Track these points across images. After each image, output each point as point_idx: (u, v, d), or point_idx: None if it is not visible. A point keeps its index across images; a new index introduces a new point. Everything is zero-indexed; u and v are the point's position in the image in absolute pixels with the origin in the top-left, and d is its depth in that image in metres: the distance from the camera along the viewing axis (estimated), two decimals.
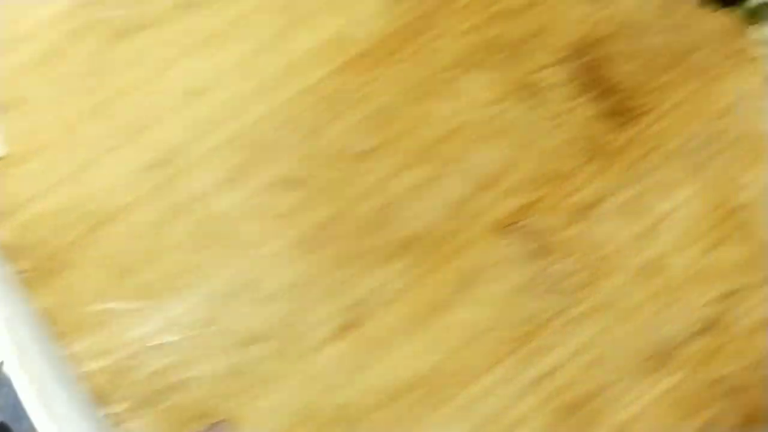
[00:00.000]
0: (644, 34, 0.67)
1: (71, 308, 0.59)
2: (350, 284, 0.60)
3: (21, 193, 0.61)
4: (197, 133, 0.63)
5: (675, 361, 0.59)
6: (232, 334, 0.59)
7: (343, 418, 0.57)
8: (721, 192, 0.63)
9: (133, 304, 0.59)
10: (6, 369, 0.69)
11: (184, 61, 0.64)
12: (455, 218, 0.62)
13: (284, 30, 0.66)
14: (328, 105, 0.64)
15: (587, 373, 0.58)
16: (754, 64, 0.67)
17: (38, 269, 0.59)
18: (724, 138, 0.65)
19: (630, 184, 0.63)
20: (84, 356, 0.58)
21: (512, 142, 0.64)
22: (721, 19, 0.68)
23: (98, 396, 0.57)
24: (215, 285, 0.60)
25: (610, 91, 0.65)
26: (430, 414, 0.57)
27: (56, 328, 0.58)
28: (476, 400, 0.58)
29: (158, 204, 0.61)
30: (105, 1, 0.65)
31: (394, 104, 0.64)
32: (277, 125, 0.63)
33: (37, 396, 0.62)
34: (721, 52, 0.67)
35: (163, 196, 0.62)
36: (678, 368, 0.59)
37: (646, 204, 0.63)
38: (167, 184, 0.62)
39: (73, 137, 0.62)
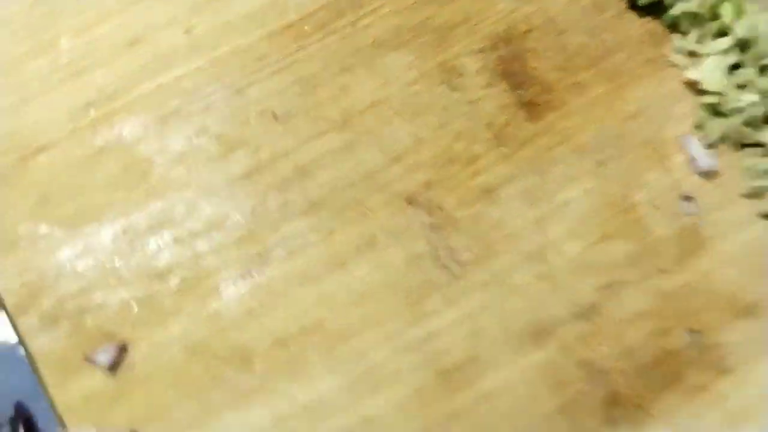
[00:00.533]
0: (568, 32, 0.70)
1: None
2: (259, 234, 0.65)
3: None
4: (132, 80, 0.68)
5: (549, 339, 0.63)
6: (142, 267, 0.64)
7: (236, 356, 0.62)
8: (619, 189, 0.67)
9: (55, 230, 0.64)
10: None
11: (126, 12, 0.69)
12: (364, 186, 0.66)
13: None
14: (257, 66, 0.69)
15: (466, 342, 0.63)
16: (670, 72, 0.70)
17: None
18: (630, 139, 0.68)
19: (534, 172, 0.67)
20: (5, 272, 0.63)
21: (426, 121, 0.68)
22: (646, 26, 0.71)
23: (14, 311, 0.62)
24: (133, 221, 0.65)
25: (526, 83, 0.69)
26: (317, 361, 0.62)
27: None
28: (359, 353, 0.63)
29: (89, 142, 0.66)
30: None
31: (319, 74, 0.69)
32: (208, 80, 0.68)
33: None
34: (640, 57, 0.70)
35: (95, 135, 0.66)
36: (551, 346, 0.63)
37: (546, 192, 0.67)
38: (99, 125, 0.67)
39: (16, 73, 0.67)
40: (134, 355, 0.62)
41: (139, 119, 0.67)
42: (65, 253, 0.64)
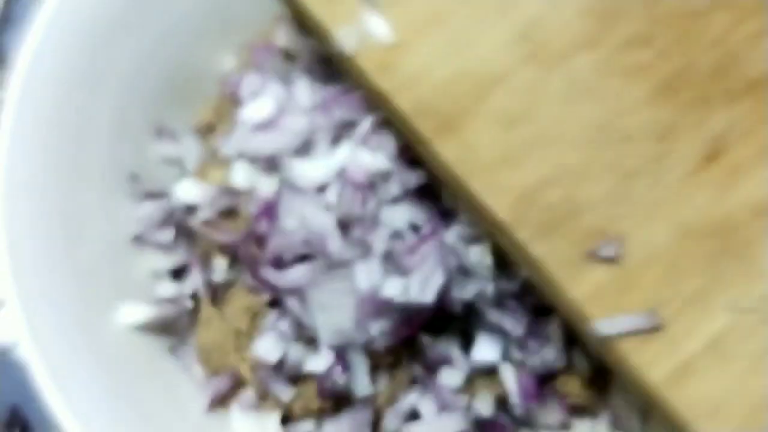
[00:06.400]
0: None
1: (473, 154, 0.68)
2: (706, 122, 0.67)
3: (413, 72, 0.69)
4: (555, 8, 0.70)
5: None
6: (610, 167, 0.66)
7: (719, 234, 0.64)
8: None
9: (527, 149, 0.67)
10: (19, 351, 0.73)
11: None
12: None
13: None
14: None
15: None
16: None
17: (440, 128, 0.68)
18: None
19: None
20: (493, 190, 0.67)
21: None
22: None
23: (509, 224, 0.66)
24: (584, 130, 0.67)
25: None
26: None
27: (464, 173, 0.67)
28: None
29: (530, 68, 0.69)
30: None
31: None
32: None
33: (51, 377, 0.70)
34: None
35: (534, 62, 0.69)
36: None
37: None
38: (535, 51, 0.69)
39: (447, 22, 0.70)
40: (629, 245, 0.65)
41: (567, 40, 0.70)
42: (542, 170, 0.67)
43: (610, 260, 0.65)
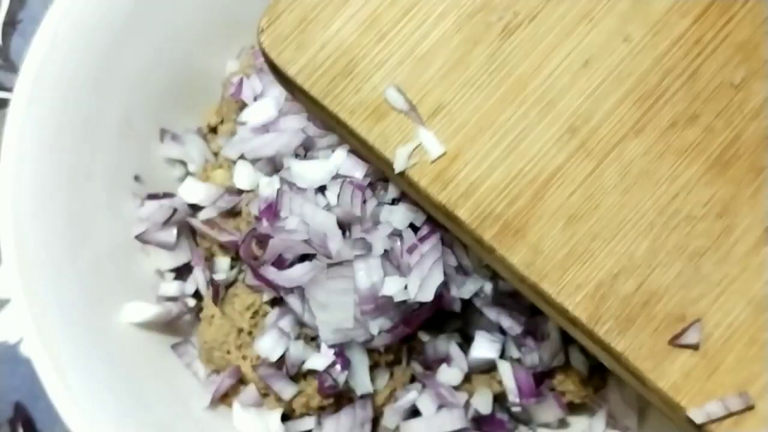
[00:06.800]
0: None
1: (540, 255, 0.68)
2: (762, 192, 0.68)
3: (467, 180, 0.69)
4: (596, 99, 0.71)
5: None
6: (676, 250, 0.68)
7: None
8: None
9: (593, 243, 0.68)
10: (24, 348, 0.79)
11: (567, 42, 0.72)
12: None
13: None
14: (697, 50, 0.72)
15: None
16: None
17: (502, 233, 0.68)
18: None
19: None
20: (565, 289, 0.68)
21: None
22: None
23: (586, 322, 0.67)
24: (645, 216, 0.68)
25: None
26: None
27: (534, 276, 0.68)
28: None
29: (582, 161, 0.70)
30: (486, 9, 0.72)
31: (753, 39, 0.71)
32: (660, 77, 0.71)
33: (56, 374, 0.72)
34: None
35: (584, 154, 0.70)
36: None
37: None
38: (584, 144, 0.70)
39: (493, 126, 0.70)
40: (707, 326, 0.66)
41: (614, 130, 0.70)
42: (608, 265, 0.68)
43: (694, 346, 0.65)
